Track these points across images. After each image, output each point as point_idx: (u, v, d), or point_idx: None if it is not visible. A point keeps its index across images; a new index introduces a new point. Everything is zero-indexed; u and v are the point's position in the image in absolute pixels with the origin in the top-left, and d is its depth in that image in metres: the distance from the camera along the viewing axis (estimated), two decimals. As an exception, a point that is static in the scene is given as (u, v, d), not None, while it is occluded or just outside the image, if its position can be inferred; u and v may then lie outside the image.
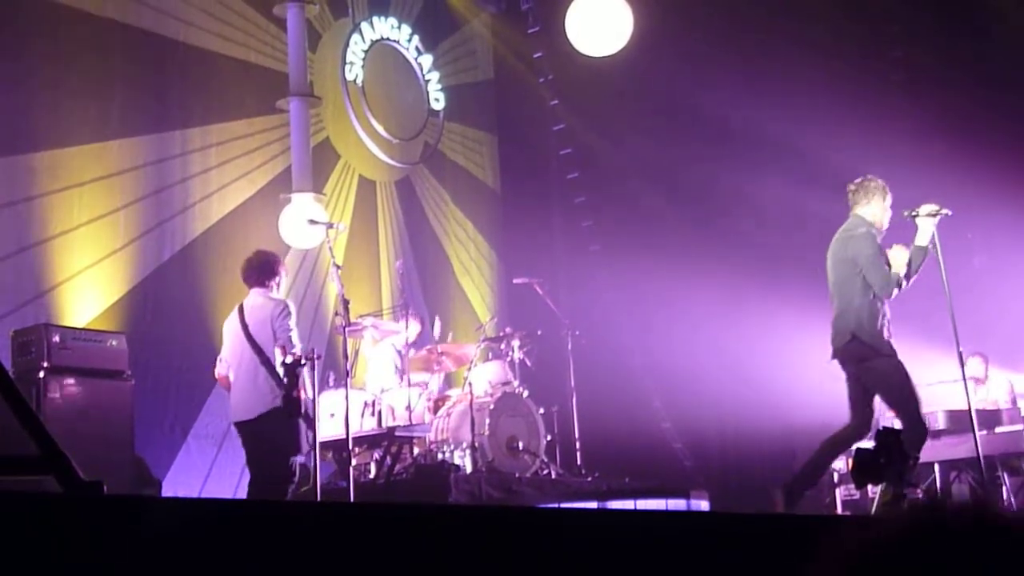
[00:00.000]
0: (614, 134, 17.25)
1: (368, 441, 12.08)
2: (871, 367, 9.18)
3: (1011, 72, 14.96)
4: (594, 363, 14.72)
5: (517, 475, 12.20)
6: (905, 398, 9.05)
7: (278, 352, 9.62)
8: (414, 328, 13.11)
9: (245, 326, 9.76)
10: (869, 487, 10.59)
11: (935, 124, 15.15)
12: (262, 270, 9.95)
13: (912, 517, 1.72)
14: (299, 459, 9.76)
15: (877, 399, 9.22)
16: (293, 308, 9.85)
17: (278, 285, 10.03)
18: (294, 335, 9.67)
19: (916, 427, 8.98)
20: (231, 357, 9.89)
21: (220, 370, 10.02)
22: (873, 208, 9.31)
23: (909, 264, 9.14)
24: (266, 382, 9.61)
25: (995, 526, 1.65)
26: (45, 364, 9.69)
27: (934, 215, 9.24)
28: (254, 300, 9.90)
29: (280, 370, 9.48)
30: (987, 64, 15.08)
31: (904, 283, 9.11)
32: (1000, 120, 14.76)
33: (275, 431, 9.56)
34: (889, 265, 9.13)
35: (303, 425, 9.60)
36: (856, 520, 7.85)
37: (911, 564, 1.62)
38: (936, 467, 11.68)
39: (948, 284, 9.19)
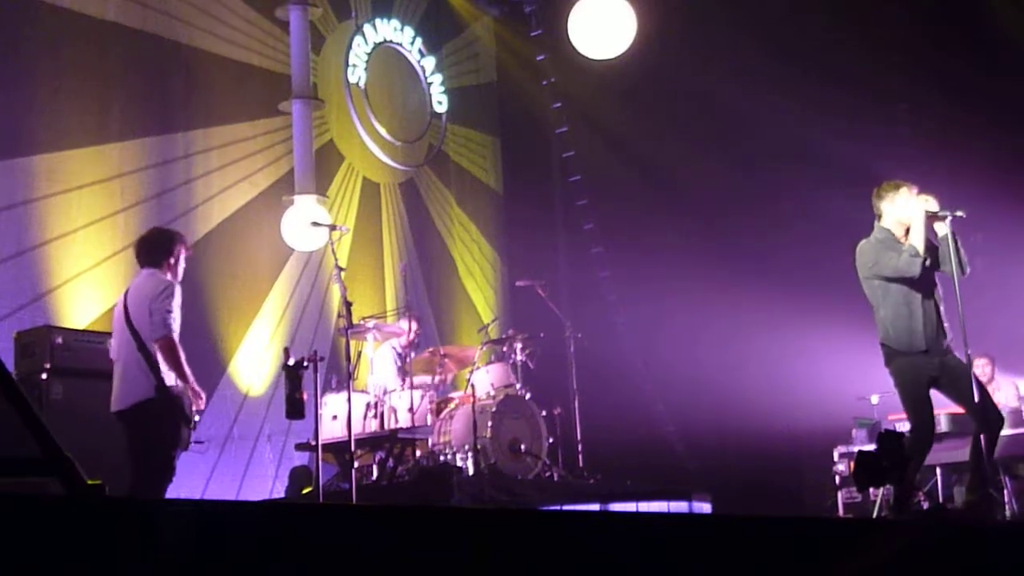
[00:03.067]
0: (616, 137, 17.25)
1: (370, 443, 12.08)
2: (892, 369, 9.15)
3: (1013, 72, 14.95)
4: (596, 365, 14.74)
5: (519, 477, 12.20)
6: (913, 401, 9.01)
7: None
8: (412, 328, 13.11)
9: (125, 307, 8.97)
10: (871, 489, 10.60)
11: (938, 127, 15.16)
12: (152, 248, 9.20)
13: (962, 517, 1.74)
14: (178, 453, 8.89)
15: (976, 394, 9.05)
16: (179, 290, 8.95)
17: (172, 267, 9.13)
18: (175, 320, 8.84)
19: (920, 432, 8.95)
20: (115, 341, 9.09)
21: (112, 355, 9.18)
22: (889, 213, 9.23)
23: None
24: (141, 369, 8.78)
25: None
26: (48, 366, 9.68)
27: (940, 215, 9.21)
28: (140, 280, 9.10)
29: (151, 363, 8.76)
30: (989, 66, 15.07)
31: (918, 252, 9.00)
32: (1002, 123, 14.76)
33: (150, 424, 8.76)
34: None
35: (181, 422, 8.81)
36: (890, 523, 7.85)
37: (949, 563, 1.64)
38: (938, 470, 11.68)
39: (959, 286, 9.17)
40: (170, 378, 8.80)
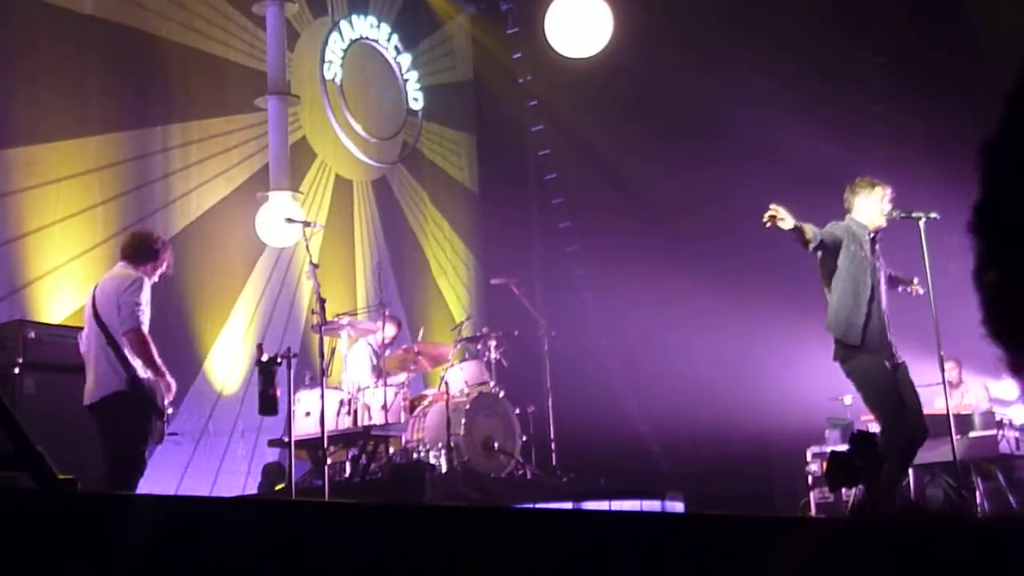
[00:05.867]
0: (592, 135, 17.26)
1: (344, 440, 12.08)
2: (850, 368, 9.15)
3: (991, 80, 15.00)
4: (570, 364, 14.74)
5: (492, 475, 12.21)
6: (883, 400, 9.01)
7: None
8: (390, 330, 13.11)
9: (94, 299, 8.94)
10: (843, 490, 10.63)
11: (917, 128, 15.20)
12: (138, 248, 9.16)
13: (853, 517, 1.74)
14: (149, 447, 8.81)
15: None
16: (147, 284, 8.92)
17: (153, 270, 9.10)
18: (144, 314, 8.77)
19: (891, 433, 8.94)
20: (86, 334, 9.01)
21: (81, 348, 9.09)
22: (862, 209, 9.26)
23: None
24: (110, 363, 8.73)
25: (932, 526, 1.67)
26: (21, 360, 9.62)
27: (914, 217, 9.29)
28: (111, 273, 9.11)
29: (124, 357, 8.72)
30: (968, 69, 15.12)
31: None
32: (980, 126, 14.79)
33: (121, 417, 8.70)
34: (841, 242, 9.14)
35: (153, 414, 8.74)
36: (801, 521, 7.86)
37: (851, 564, 1.64)
38: (910, 471, 11.72)
39: (932, 289, 9.21)
40: (141, 370, 8.78)
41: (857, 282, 9.05)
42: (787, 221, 8.92)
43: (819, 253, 9.17)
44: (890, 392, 8.95)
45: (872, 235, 9.19)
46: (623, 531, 3.88)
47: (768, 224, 8.97)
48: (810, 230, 9.03)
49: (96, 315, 8.89)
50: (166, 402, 8.93)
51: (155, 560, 2.71)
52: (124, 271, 9.03)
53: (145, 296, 8.86)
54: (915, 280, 9.57)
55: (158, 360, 8.86)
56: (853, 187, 9.34)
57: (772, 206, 8.95)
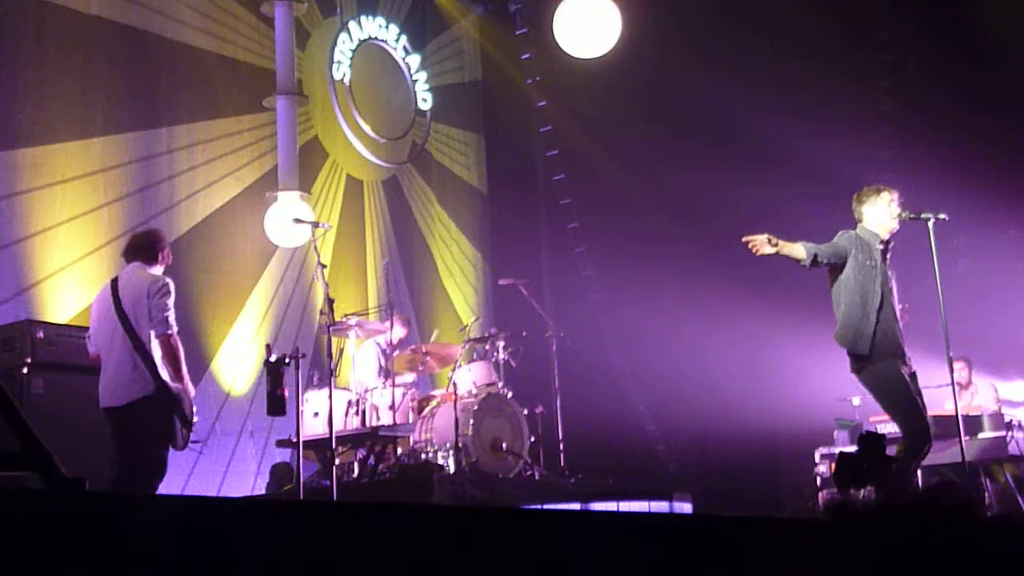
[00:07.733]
0: (601, 136, 17.25)
1: (352, 440, 12.06)
2: (865, 378, 9.11)
3: (997, 80, 14.98)
4: (578, 365, 14.73)
5: (501, 476, 12.20)
6: (904, 403, 8.95)
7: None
8: (399, 331, 13.10)
9: (118, 301, 8.82)
10: (851, 491, 10.60)
11: (922, 129, 15.18)
12: (144, 247, 9.14)
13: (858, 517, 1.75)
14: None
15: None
16: (173, 286, 8.89)
17: (161, 264, 9.09)
18: (171, 316, 8.77)
19: (912, 436, 8.89)
20: (101, 335, 8.92)
21: (91, 349, 9.04)
22: (871, 217, 9.21)
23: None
24: (136, 366, 8.68)
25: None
26: (29, 360, 9.61)
27: (923, 218, 9.28)
28: (131, 274, 8.98)
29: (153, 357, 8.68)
30: (972, 71, 15.10)
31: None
32: (987, 126, 14.78)
33: (146, 421, 8.67)
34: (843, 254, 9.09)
35: (177, 419, 8.72)
36: (809, 522, 7.83)
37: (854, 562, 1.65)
38: (918, 471, 11.70)
39: (942, 290, 9.19)
40: (168, 376, 8.76)
41: (866, 291, 8.99)
42: (765, 248, 8.93)
43: (825, 265, 9.13)
44: (907, 394, 8.90)
45: (884, 243, 9.14)
46: (631, 532, 3.88)
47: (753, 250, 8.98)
48: (800, 249, 9.02)
49: (122, 317, 8.81)
50: (193, 409, 8.93)
51: (163, 560, 2.71)
52: (147, 272, 8.98)
53: (172, 299, 8.85)
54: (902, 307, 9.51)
55: (184, 368, 8.84)
56: (859, 196, 9.29)
57: (744, 237, 8.98)
